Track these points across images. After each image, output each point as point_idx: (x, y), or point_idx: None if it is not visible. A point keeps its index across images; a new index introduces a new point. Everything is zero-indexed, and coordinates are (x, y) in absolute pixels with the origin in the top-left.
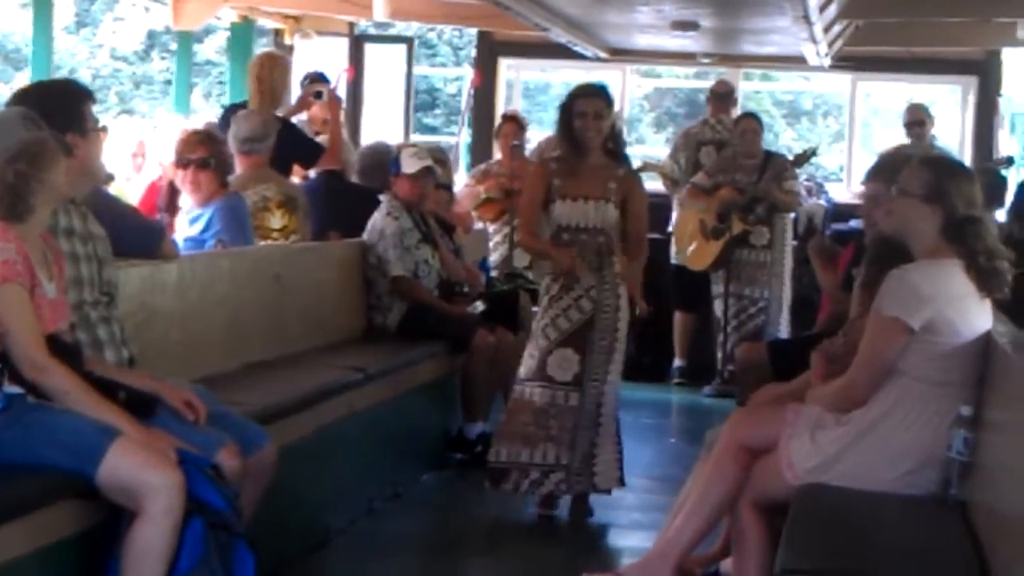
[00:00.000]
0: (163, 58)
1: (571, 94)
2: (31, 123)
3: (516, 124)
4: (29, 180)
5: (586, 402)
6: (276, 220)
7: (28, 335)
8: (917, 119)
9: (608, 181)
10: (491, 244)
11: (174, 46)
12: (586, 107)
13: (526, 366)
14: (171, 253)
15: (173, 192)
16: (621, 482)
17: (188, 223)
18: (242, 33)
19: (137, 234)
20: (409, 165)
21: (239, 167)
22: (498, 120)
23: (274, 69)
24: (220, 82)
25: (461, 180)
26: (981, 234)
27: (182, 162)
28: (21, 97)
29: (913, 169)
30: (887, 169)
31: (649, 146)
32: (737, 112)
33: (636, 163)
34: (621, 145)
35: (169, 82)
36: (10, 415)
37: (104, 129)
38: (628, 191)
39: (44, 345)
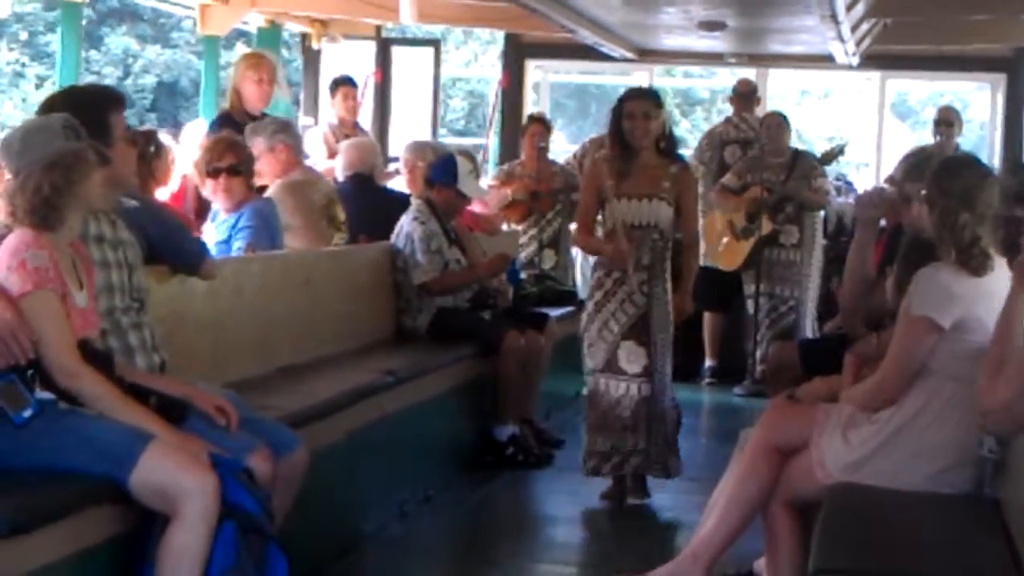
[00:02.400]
0: (11, 48)
1: (621, 97)
2: (71, 132)
3: (542, 125)
4: (62, 192)
5: (656, 392)
6: (340, 213)
7: (60, 341)
8: (945, 120)
9: (661, 179)
10: (518, 242)
11: (24, 35)
12: (634, 108)
13: (595, 358)
14: (211, 275)
15: (201, 196)
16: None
17: (216, 230)
18: (269, 38)
19: (181, 252)
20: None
21: (292, 171)
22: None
23: (235, 67)
24: None
25: (485, 182)
26: (962, 225)
27: (212, 170)
28: (51, 104)
29: (932, 172)
30: (916, 170)
31: None
32: (760, 110)
33: None
34: (673, 143)
35: (20, 75)
36: (42, 421)
37: (135, 136)
38: (682, 188)
39: (76, 351)
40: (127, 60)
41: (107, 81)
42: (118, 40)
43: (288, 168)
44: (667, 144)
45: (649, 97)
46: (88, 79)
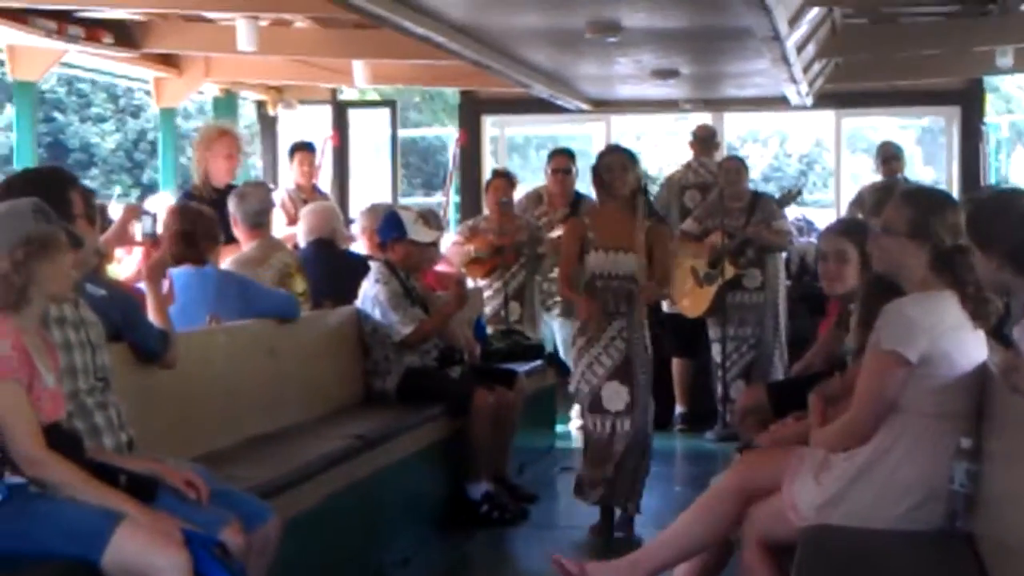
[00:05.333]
0: None
1: (599, 154)
2: (41, 216)
3: (506, 180)
4: (26, 271)
5: (637, 428)
6: (299, 284)
7: (24, 432)
8: (892, 155)
9: (636, 233)
10: (483, 298)
11: None
12: (613, 161)
13: (582, 402)
14: (174, 363)
15: None
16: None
17: None
18: (225, 107)
19: (142, 343)
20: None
21: (251, 239)
22: (486, 177)
23: (200, 144)
24: None
25: (449, 239)
26: (969, 264)
27: None
28: (8, 185)
29: (895, 205)
30: (868, 206)
31: None
32: (719, 155)
33: None
34: (647, 199)
35: None
36: (13, 506)
37: (93, 213)
38: (655, 240)
39: (41, 440)
40: None
41: None
42: None
43: (244, 240)
44: (642, 199)
45: (623, 152)
46: None
